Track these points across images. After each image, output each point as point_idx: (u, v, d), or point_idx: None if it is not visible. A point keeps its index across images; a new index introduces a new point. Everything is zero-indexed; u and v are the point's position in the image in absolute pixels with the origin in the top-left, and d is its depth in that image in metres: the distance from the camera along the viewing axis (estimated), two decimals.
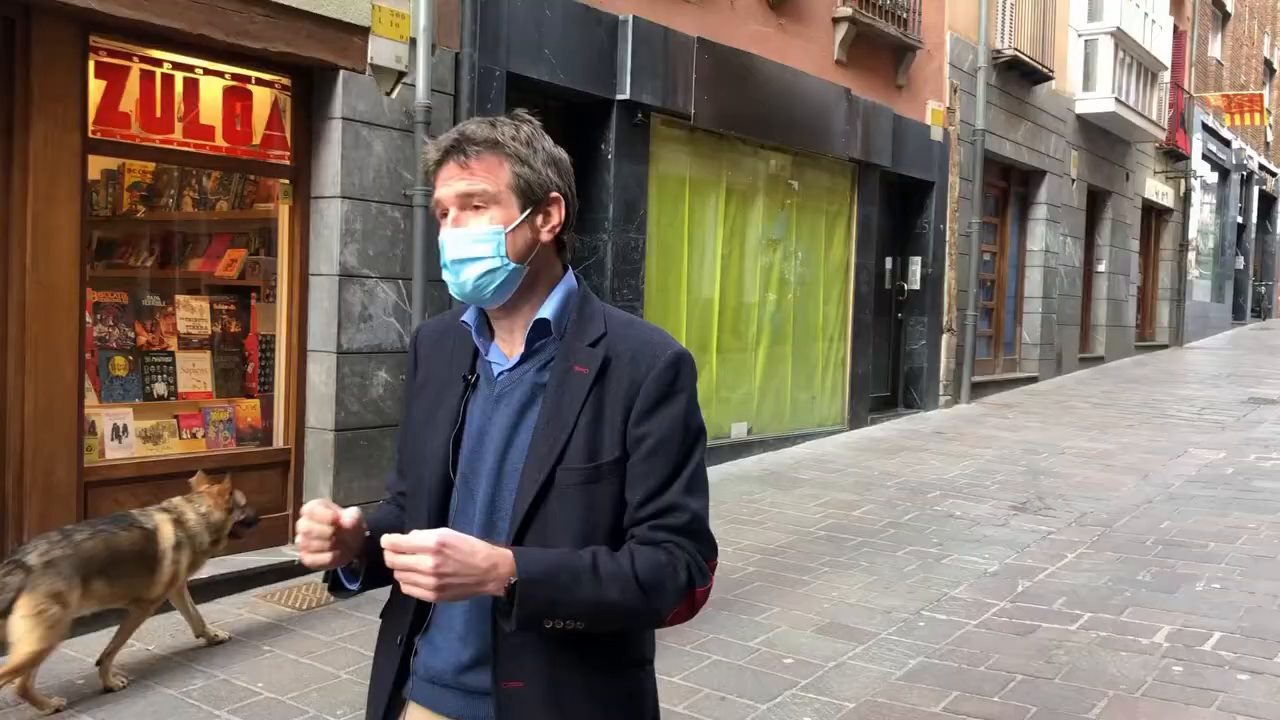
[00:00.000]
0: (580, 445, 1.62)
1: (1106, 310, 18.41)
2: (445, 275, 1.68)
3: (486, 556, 1.50)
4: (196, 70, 5.56)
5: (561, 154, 1.73)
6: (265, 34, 5.49)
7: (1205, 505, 7.79)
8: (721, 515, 7.32)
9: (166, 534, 4.41)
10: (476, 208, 1.65)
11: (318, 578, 5.62)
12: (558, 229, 1.70)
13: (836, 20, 10.28)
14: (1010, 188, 15.18)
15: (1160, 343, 21.63)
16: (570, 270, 1.76)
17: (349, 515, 1.65)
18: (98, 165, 5.52)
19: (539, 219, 1.68)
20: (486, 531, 1.64)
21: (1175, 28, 19.57)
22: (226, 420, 5.96)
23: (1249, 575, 5.99)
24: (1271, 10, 27.95)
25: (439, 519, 1.70)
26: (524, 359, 1.70)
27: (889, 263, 12.28)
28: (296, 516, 5.73)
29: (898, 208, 12.28)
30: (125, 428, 5.48)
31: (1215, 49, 23.56)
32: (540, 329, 1.69)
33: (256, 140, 5.91)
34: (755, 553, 6.39)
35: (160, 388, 5.74)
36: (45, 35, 4.81)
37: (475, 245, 1.64)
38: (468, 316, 1.75)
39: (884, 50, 11.16)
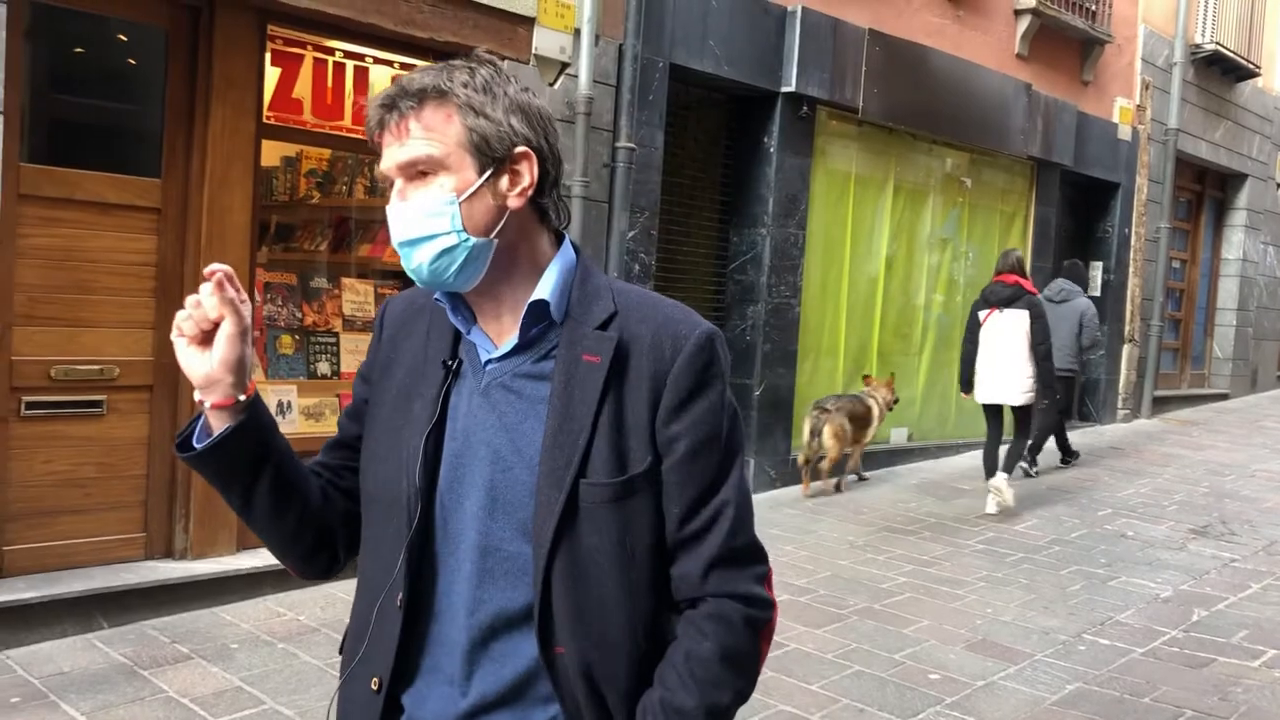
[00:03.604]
0: (604, 454, 1.35)
1: None
2: (402, 261, 1.40)
3: None
4: (366, 59, 5.71)
5: (532, 100, 1.41)
6: (432, 23, 5.60)
7: None
8: (873, 523, 7.10)
9: (874, 406, 7.86)
10: (422, 174, 1.36)
11: None
12: (529, 191, 1.39)
13: (1019, 12, 9.84)
14: (1205, 191, 14.25)
15: None
16: (567, 240, 1.47)
17: (233, 320, 1.38)
18: (271, 150, 5.72)
19: (503, 181, 1.38)
20: (481, 556, 1.38)
21: None
22: None
23: None
24: None
25: (420, 531, 1.42)
26: (519, 348, 1.42)
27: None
28: None
29: (1079, 210, 11.69)
30: (289, 404, 5.68)
31: None
32: (537, 313, 1.41)
33: None
34: (907, 562, 6.15)
35: (324, 367, 5.93)
36: (227, 24, 5.01)
37: (424, 221, 1.36)
38: (441, 293, 1.45)
39: (1069, 44, 10.62)
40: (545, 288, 1.41)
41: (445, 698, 1.41)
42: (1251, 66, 13.42)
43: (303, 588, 5.16)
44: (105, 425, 4.84)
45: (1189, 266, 14.18)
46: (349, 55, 5.63)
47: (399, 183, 1.38)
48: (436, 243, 1.35)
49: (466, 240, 1.36)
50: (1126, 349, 12.01)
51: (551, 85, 6.20)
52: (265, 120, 5.26)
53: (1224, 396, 14.31)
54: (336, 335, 6.00)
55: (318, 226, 6.53)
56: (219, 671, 4.21)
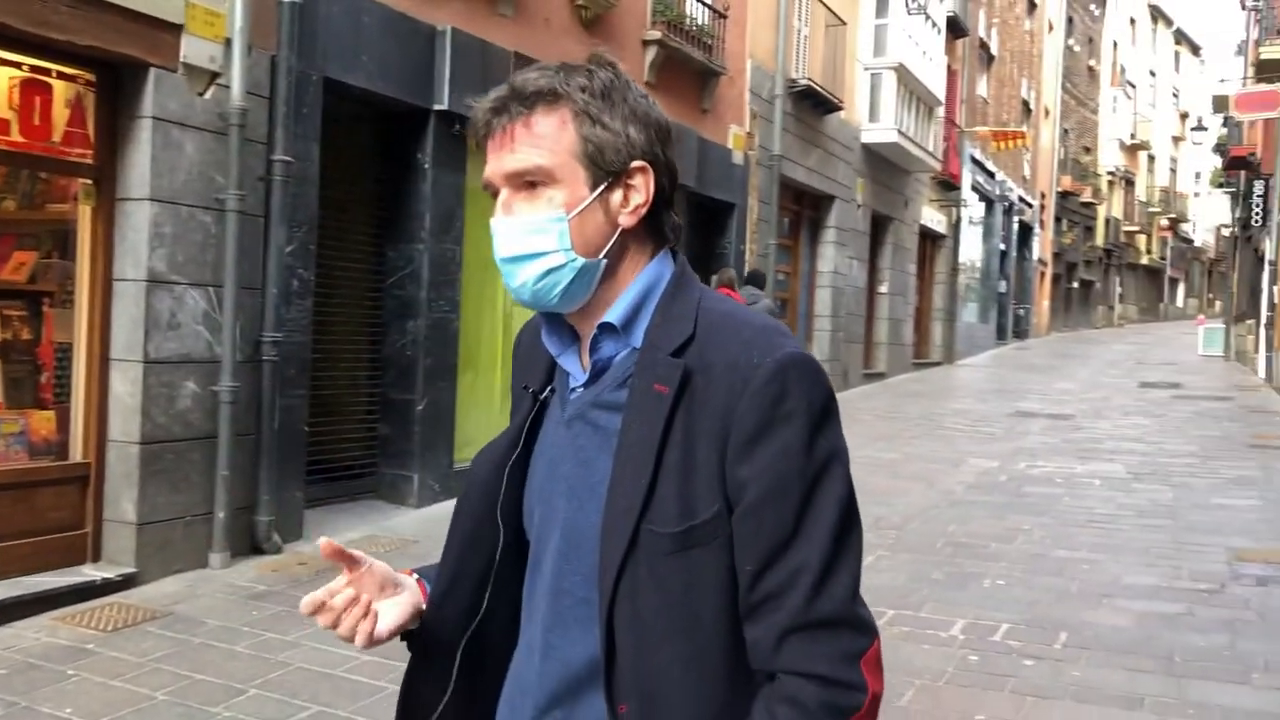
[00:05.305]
0: (668, 498, 1.20)
1: (887, 329, 19.53)
2: (504, 278, 1.31)
3: None
4: None
5: (652, 110, 1.31)
6: (70, 25, 5.21)
7: (984, 509, 8.42)
8: None
9: None
10: (531, 186, 1.26)
11: (122, 597, 5.39)
12: (644, 209, 1.28)
13: (646, 43, 10.59)
14: (803, 211, 15.93)
15: (934, 360, 23.10)
16: (663, 255, 1.33)
17: (372, 569, 1.34)
18: None
19: (616, 196, 1.27)
20: (554, 598, 1.29)
21: (948, 67, 21.03)
22: (18, 433, 5.59)
23: (1027, 571, 6.53)
24: (1029, 56, 30.39)
25: (513, 565, 1.37)
26: (596, 375, 1.31)
27: None
28: (97, 533, 5.48)
29: (701, 228, 12.69)
30: None
31: (982, 88, 25.44)
32: (607, 335, 1.30)
33: (56, 137, 5.59)
34: None
35: None
36: None
37: (531, 238, 1.25)
38: (540, 313, 1.36)
39: (690, 74, 11.54)
40: (617, 309, 1.29)
41: None
42: (836, 101, 15.18)
43: None
44: None
45: (792, 279, 15.78)
46: None
47: (504, 194, 1.28)
48: (542, 261, 1.25)
49: (574, 260, 1.26)
50: None
51: (202, 95, 5.94)
52: None
53: None
54: None
55: None
56: None
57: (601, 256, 1.28)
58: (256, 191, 6.30)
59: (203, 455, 6.00)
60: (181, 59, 5.80)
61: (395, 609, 1.35)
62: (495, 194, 1.30)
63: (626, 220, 1.28)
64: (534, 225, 1.25)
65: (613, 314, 1.29)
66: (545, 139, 1.25)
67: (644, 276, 1.31)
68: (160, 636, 4.96)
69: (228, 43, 6.00)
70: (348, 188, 7.70)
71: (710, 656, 1.22)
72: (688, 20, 11.16)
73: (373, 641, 1.32)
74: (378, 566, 1.35)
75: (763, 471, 1.19)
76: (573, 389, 1.33)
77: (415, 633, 1.40)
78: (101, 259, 5.74)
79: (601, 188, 1.26)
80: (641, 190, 1.28)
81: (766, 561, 1.19)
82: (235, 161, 6.03)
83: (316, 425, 7.12)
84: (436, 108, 7.73)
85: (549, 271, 1.25)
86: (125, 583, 5.58)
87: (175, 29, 5.74)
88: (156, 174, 5.70)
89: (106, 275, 5.75)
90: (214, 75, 5.99)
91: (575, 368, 1.34)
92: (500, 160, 1.27)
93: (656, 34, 10.55)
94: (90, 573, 5.54)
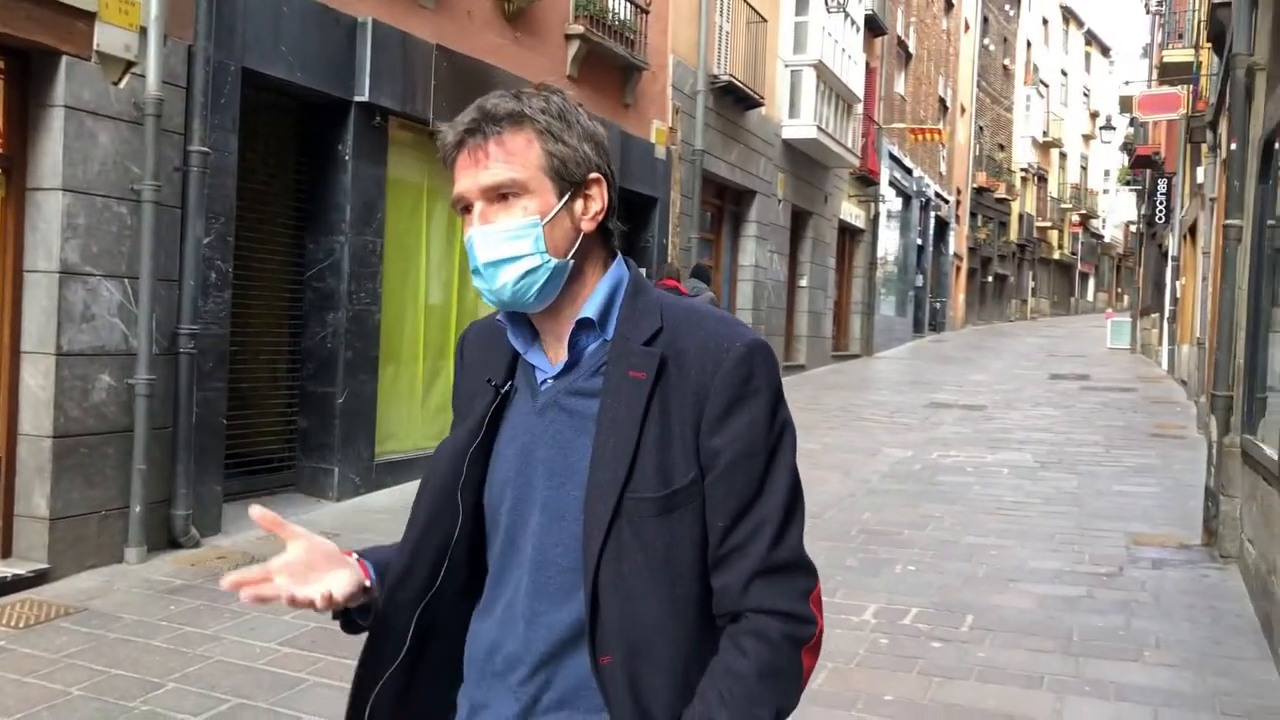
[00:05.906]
0: (649, 469, 1.37)
1: (807, 322, 19.83)
2: (477, 282, 1.43)
3: None
4: None
5: (599, 128, 1.48)
6: None
7: (899, 498, 8.65)
8: None
9: None
10: (504, 198, 1.41)
11: (34, 594, 5.32)
12: (601, 216, 1.45)
13: (569, 37, 10.62)
14: (725, 206, 16.10)
15: (853, 352, 23.49)
16: (620, 258, 1.51)
17: (294, 551, 1.41)
18: None
19: (579, 205, 1.44)
20: (537, 569, 1.43)
21: (867, 64, 21.37)
22: None
23: (938, 558, 6.74)
24: (945, 54, 31.00)
25: (470, 542, 1.50)
26: (569, 366, 1.46)
27: None
28: (7, 528, 5.40)
29: (623, 222, 12.69)
30: None
31: (900, 86, 25.90)
32: (584, 330, 1.46)
33: None
34: None
35: None
36: None
37: (511, 243, 1.40)
38: (503, 313, 1.50)
39: (613, 69, 11.61)
40: (591, 306, 1.45)
41: (502, 703, 1.45)
42: (757, 97, 15.37)
43: None
44: None
45: (714, 273, 15.92)
46: None
47: (479, 206, 1.42)
48: (521, 264, 1.39)
49: (549, 261, 1.40)
50: None
51: (117, 84, 5.86)
52: None
53: None
54: None
55: None
56: None
57: (570, 257, 1.43)
58: (173, 182, 6.22)
59: (118, 449, 5.93)
60: (95, 47, 5.71)
61: (343, 581, 1.43)
62: (467, 209, 1.43)
63: (588, 225, 1.45)
64: (513, 232, 1.40)
65: (589, 310, 1.44)
66: (516, 155, 1.40)
67: (609, 278, 1.47)
68: (75, 632, 4.90)
69: (143, 31, 5.92)
70: (267, 179, 7.63)
71: (687, 605, 1.40)
72: (610, 15, 11.22)
73: (332, 603, 1.41)
74: (318, 540, 1.44)
75: (734, 440, 1.38)
76: (543, 380, 1.48)
77: (374, 612, 1.49)
78: (11, 249, 5.63)
79: (567, 196, 1.42)
80: (598, 199, 1.45)
81: (736, 517, 1.38)
82: (151, 152, 5.96)
83: (235, 418, 7.06)
84: (357, 99, 7.69)
85: (528, 272, 1.40)
86: (37, 579, 5.49)
87: (88, 16, 5.65)
88: (69, 163, 5.61)
89: (17, 266, 5.65)
90: (129, 64, 5.90)
91: (543, 361, 1.48)
92: (476, 176, 1.41)
93: (579, 28, 10.59)
94: (0, 569, 5.45)
